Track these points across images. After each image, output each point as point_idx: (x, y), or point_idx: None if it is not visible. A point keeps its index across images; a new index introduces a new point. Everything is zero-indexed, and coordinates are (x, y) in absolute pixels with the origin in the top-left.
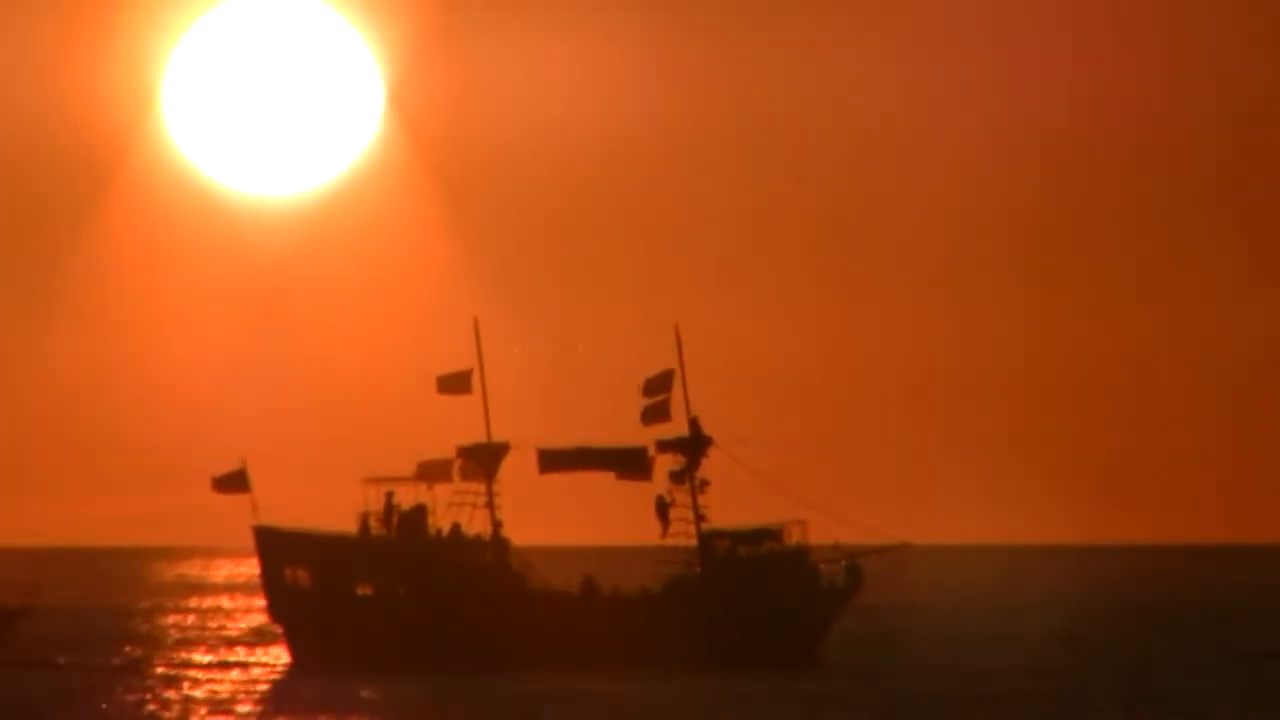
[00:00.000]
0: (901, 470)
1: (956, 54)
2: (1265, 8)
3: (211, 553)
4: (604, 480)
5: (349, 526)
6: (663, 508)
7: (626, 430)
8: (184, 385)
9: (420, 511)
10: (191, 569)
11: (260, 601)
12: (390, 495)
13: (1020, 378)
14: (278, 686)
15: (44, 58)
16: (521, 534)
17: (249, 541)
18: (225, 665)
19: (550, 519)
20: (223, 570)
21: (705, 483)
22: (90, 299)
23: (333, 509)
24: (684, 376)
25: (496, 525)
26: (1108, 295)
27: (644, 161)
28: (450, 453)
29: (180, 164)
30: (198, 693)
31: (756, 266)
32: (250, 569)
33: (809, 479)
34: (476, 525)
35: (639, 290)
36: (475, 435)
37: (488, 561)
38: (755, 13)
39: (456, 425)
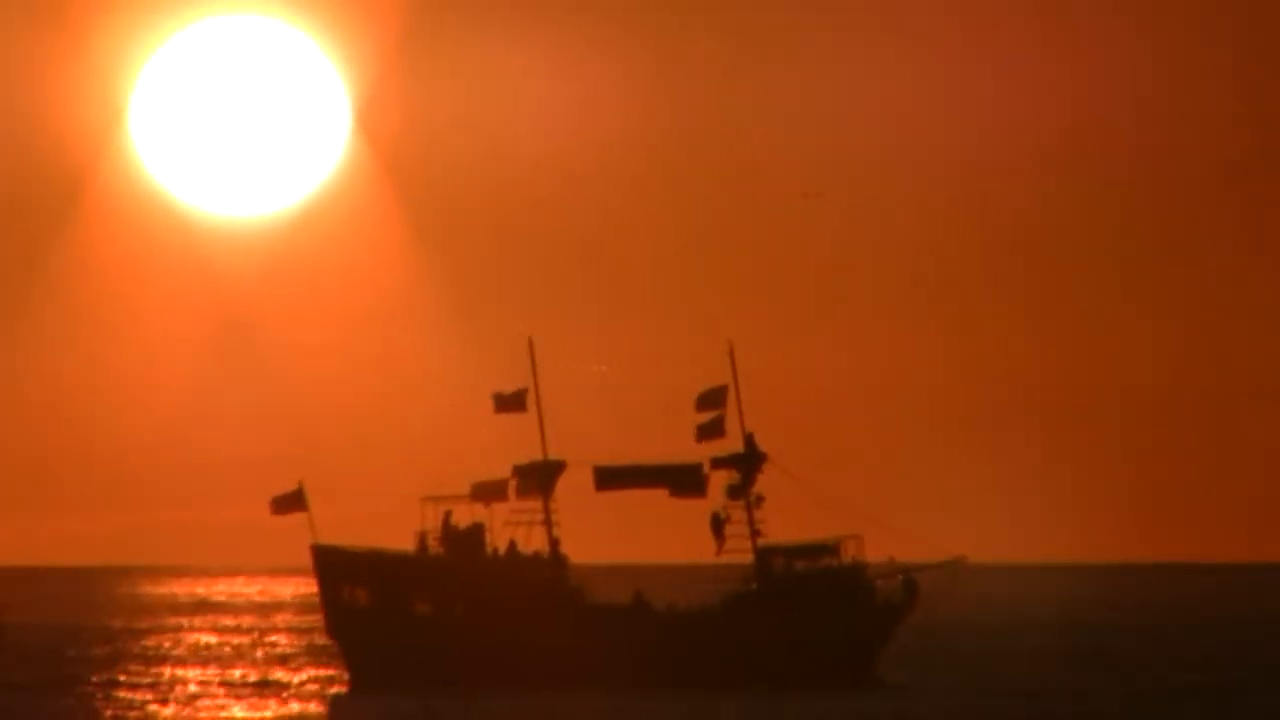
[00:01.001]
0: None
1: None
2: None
3: (180, 571)
4: (659, 497)
5: (406, 545)
6: (718, 524)
7: (681, 447)
8: (150, 404)
9: (477, 530)
10: (158, 588)
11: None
12: (448, 514)
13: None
14: (337, 705)
15: (11, 78)
16: (578, 552)
17: (215, 560)
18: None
19: (606, 537)
20: (195, 589)
21: (760, 498)
22: (57, 318)
23: (391, 528)
24: (738, 393)
25: (554, 543)
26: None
27: (608, 177)
28: (506, 472)
29: (147, 184)
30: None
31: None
32: (217, 588)
33: (864, 494)
34: (533, 543)
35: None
36: (531, 453)
37: (545, 579)
38: (727, 25)
39: (513, 444)
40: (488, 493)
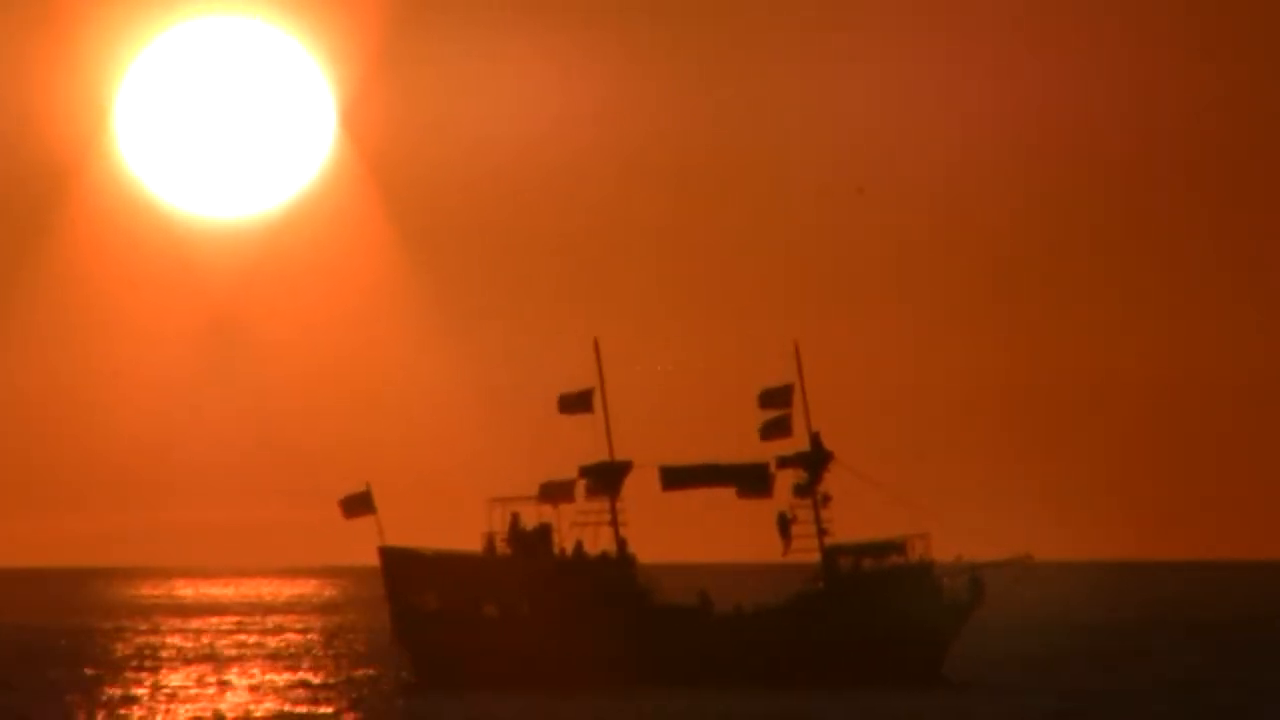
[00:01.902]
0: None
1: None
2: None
3: (168, 573)
4: (725, 497)
5: (471, 547)
6: (784, 524)
7: (747, 447)
8: (134, 404)
9: (545, 531)
10: (139, 589)
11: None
12: (516, 516)
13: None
14: (406, 706)
15: None
16: (645, 551)
17: (201, 562)
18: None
19: (673, 536)
20: (182, 591)
21: (827, 497)
22: (41, 319)
23: (458, 530)
24: (804, 392)
25: (621, 543)
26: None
27: (594, 176)
28: (573, 472)
29: (133, 185)
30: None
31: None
32: (207, 589)
33: (930, 492)
34: (601, 544)
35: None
36: (598, 454)
37: (612, 579)
38: (717, 24)
39: (580, 444)
40: (555, 494)
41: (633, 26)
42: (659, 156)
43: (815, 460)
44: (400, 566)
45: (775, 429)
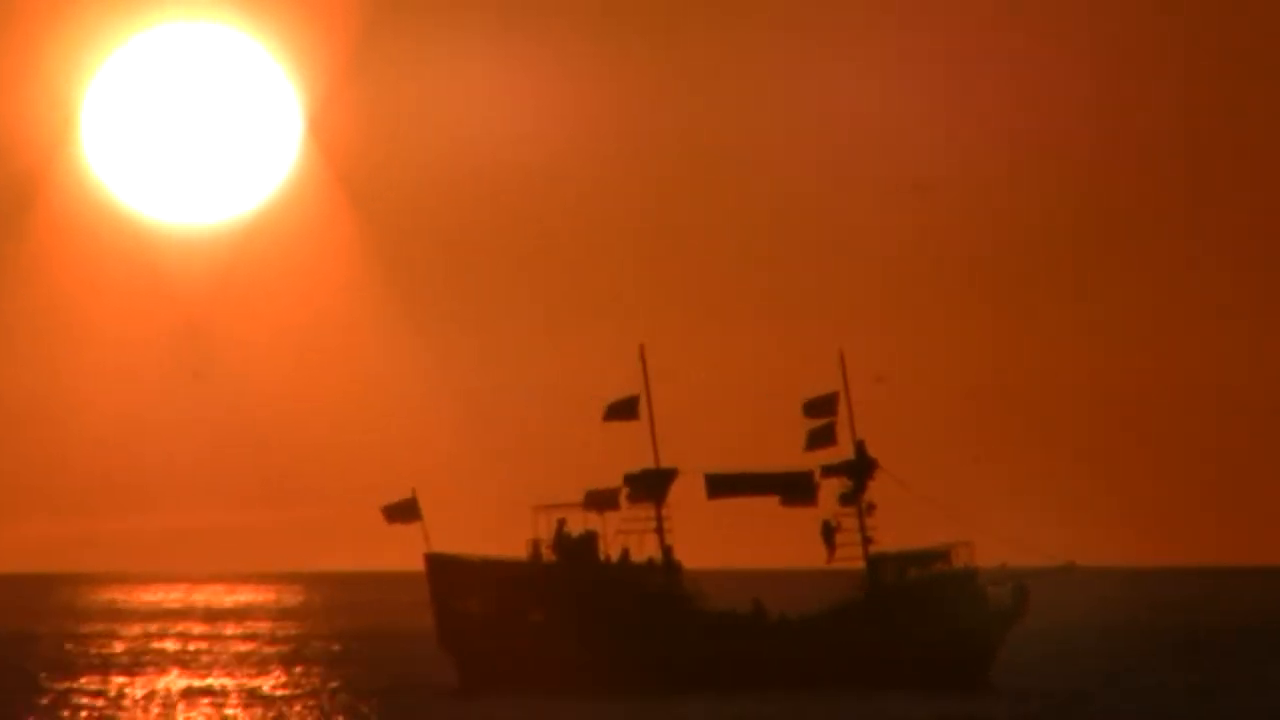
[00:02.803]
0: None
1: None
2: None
3: (127, 579)
4: (770, 505)
5: (518, 554)
6: (829, 532)
7: (792, 455)
8: (102, 412)
9: (590, 538)
10: (107, 594)
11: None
12: (561, 522)
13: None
14: (450, 712)
15: None
16: (689, 558)
17: (166, 567)
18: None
19: (717, 544)
20: (149, 596)
21: (872, 506)
22: (7, 326)
23: (502, 537)
24: (849, 400)
25: (667, 550)
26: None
27: (571, 180)
28: (617, 480)
29: (99, 192)
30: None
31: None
32: (173, 595)
33: (975, 500)
34: (645, 551)
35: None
36: (643, 461)
37: (658, 586)
38: (670, 36)
39: (624, 452)
40: (600, 501)
41: (604, 30)
42: (643, 158)
43: (860, 469)
44: (445, 573)
45: (820, 438)
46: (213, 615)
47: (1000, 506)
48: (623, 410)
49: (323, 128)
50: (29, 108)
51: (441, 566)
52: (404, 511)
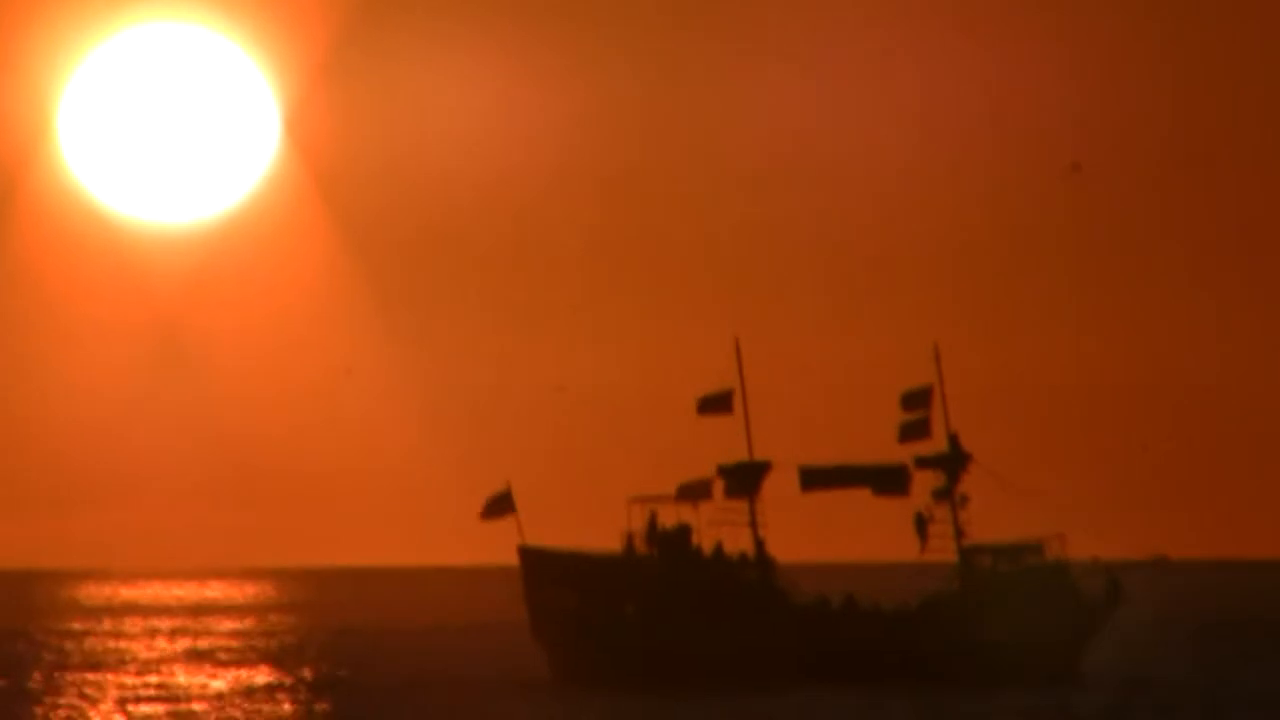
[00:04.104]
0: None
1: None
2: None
3: (103, 575)
4: (862, 497)
5: (612, 547)
6: (921, 524)
7: (885, 447)
8: (79, 409)
9: (684, 530)
10: (82, 592)
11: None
12: (654, 515)
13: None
14: (542, 706)
15: None
16: (782, 551)
17: (139, 563)
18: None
19: (810, 536)
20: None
21: (965, 499)
22: None
23: (596, 529)
24: (943, 393)
25: (759, 543)
26: None
27: (534, 187)
28: (711, 472)
29: (77, 191)
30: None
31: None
32: (147, 592)
33: (1068, 492)
34: (739, 544)
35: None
36: (737, 454)
37: (752, 579)
38: (647, 41)
39: (718, 444)
40: (693, 493)
41: (577, 31)
42: (630, 160)
43: (954, 462)
44: (539, 566)
45: (914, 430)
46: (217, 610)
47: (1093, 500)
48: (717, 404)
49: (299, 127)
50: (6, 106)
51: (534, 559)
52: (499, 505)
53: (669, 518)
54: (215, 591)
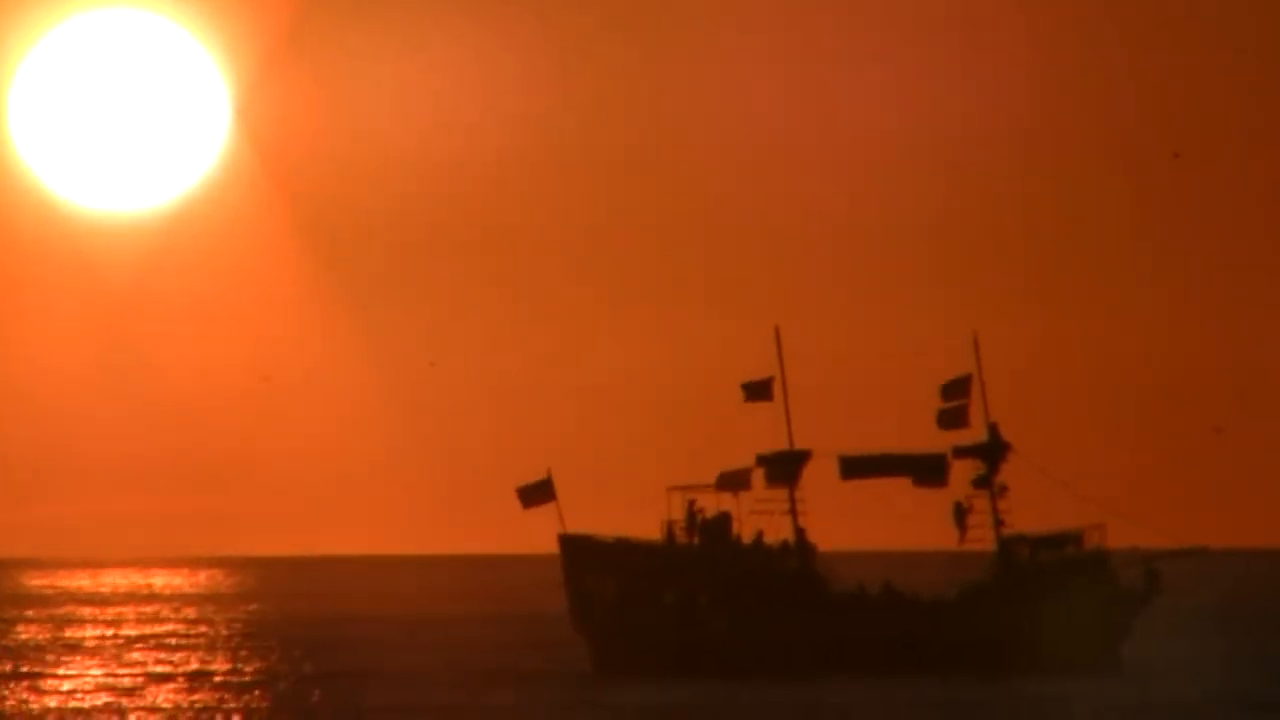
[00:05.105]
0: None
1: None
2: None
3: (56, 565)
4: (901, 486)
5: (651, 535)
6: (960, 514)
7: (924, 436)
8: (28, 399)
9: (724, 519)
10: (34, 581)
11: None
12: (693, 503)
13: None
14: (583, 694)
15: None
16: (822, 540)
17: (88, 553)
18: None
19: (849, 525)
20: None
21: (1004, 488)
22: None
23: (635, 518)
24: (982, 382)
25: (799, 532)
26: None
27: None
28: (750, 461)
29: (26, 180)
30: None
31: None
32: (104, 581)
33: (1107, 482)
34: (780, 532)
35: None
36: (777, 443)
37: (792, 568)
38: (609, 22)
39: (759, 433)
40: (733, 482)
41: (534, 15)
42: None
43: (993, 451)
44: (579, 554)
45: (953, 419)
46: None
47: (1133, 490)
48: (758, 391)
49: (250, 114)
50: None
51: (575, 547)
52: (539, 493)
53: (709, 506)
54: (161, 580)
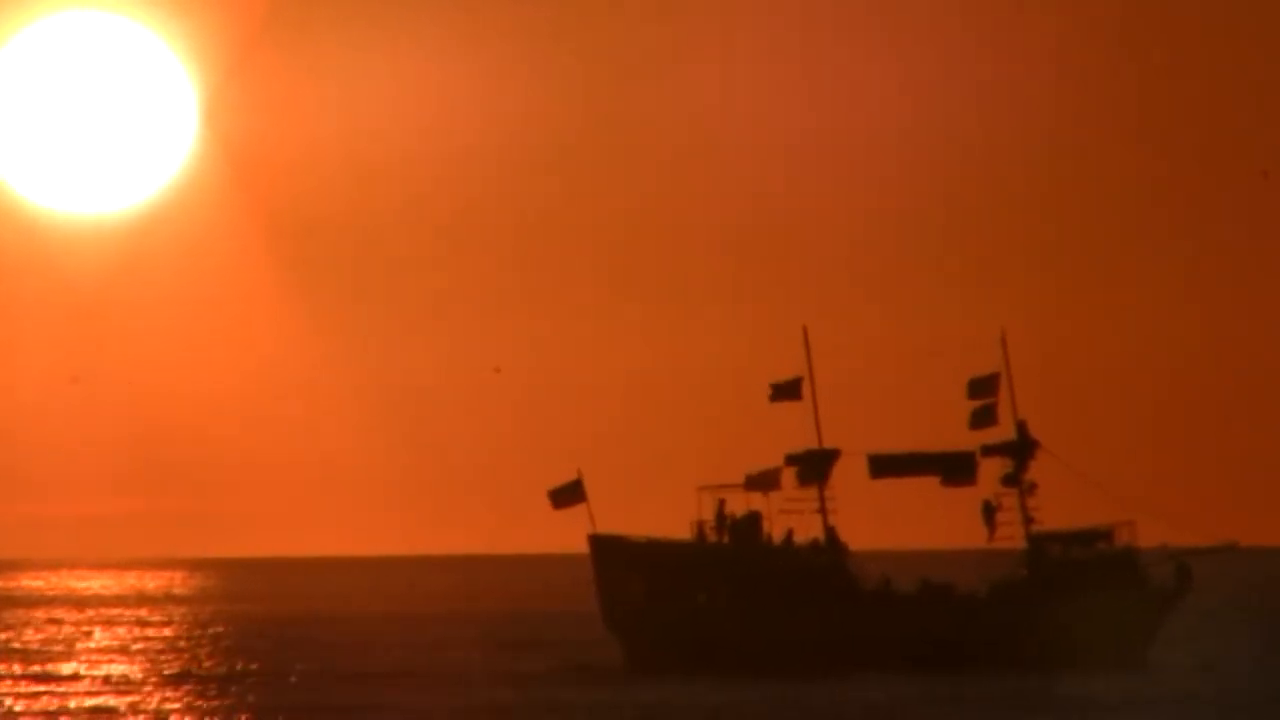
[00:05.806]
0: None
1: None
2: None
3: (25, 566)
4: (930, 485)
5: (681, 535)
6: (989, 512)
7: (952, 435)
8: None
9: (754, 518)
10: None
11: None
12: (722, 503)
13: None
14: (615, 693)
15: None
16: (851, 539)
17: (53, 554)
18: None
19: (878, 524)
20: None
21: (1033, 486)
22: None
23: (665, 518)
24: (1010, 380)
25: (829, 530)
26: None
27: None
28: (779, 460)
29: None
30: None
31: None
32: (61, 581)
33: (1137, 479)
34: (809, 531)
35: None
36: (806, 442)
37: (823, 567)
38: (575, 24)
39: (788, 432)
40: (762, 482)
41: (504, 14)
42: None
43: (1021, 449)
44: (610, 554)
45: (982, 418)
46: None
47: (1163, 487)
48: (787, 390)
49: (218, 117)
50: None
51: (606, 547)
52: (569, 494)
53: (738, 506)
54: (133, 581)
